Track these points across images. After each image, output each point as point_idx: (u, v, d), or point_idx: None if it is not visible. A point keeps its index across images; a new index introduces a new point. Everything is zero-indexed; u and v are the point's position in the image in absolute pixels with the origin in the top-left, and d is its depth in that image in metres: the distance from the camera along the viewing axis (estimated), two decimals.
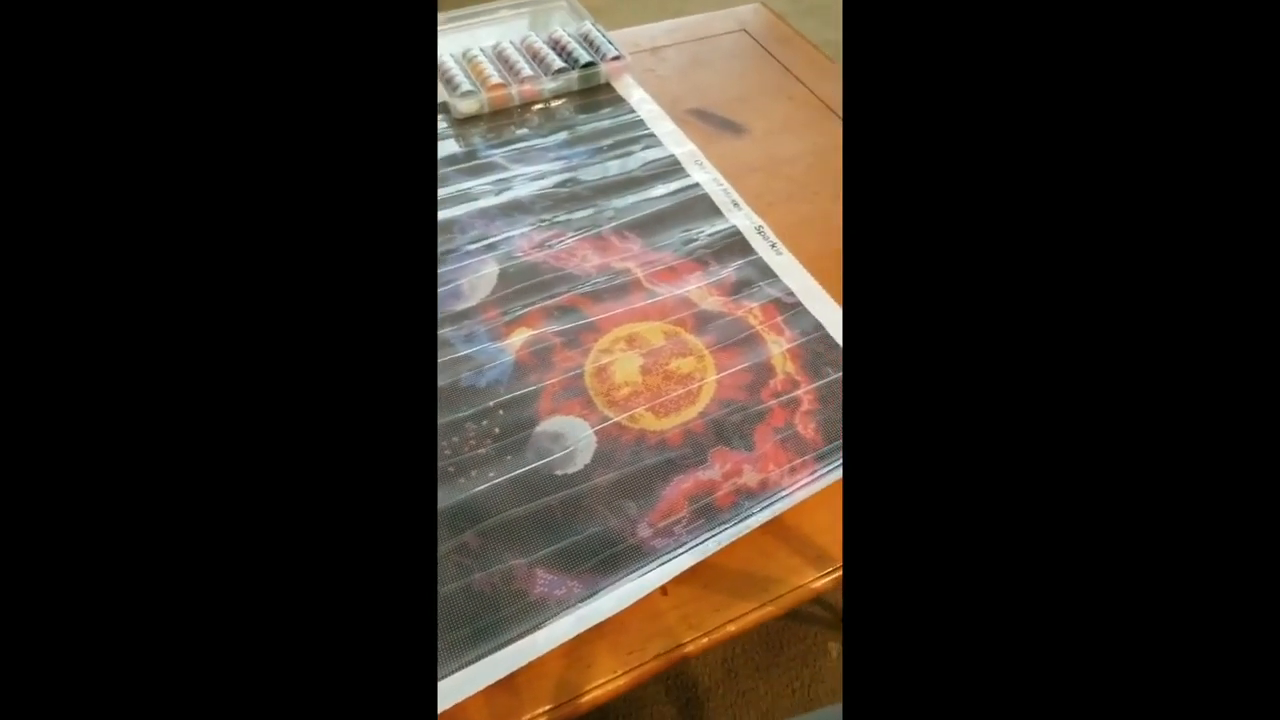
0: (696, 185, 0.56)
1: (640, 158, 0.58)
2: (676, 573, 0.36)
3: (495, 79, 0.61)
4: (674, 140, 0.60)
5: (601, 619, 0.35)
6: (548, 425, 0.42)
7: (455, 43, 0.66)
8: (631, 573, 0.36)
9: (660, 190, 0.56)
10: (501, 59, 0.64)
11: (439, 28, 0.68)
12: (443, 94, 0.61)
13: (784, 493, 0.40)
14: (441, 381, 0.44)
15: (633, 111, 0.62)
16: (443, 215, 0.53)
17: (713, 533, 0.38)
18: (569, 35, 0.66)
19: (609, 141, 0.60)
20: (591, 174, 0.57)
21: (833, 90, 0.66)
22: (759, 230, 0.53)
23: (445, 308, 0.47)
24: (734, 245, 0.52)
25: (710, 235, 0.53)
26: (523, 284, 0.49)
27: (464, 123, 0.61)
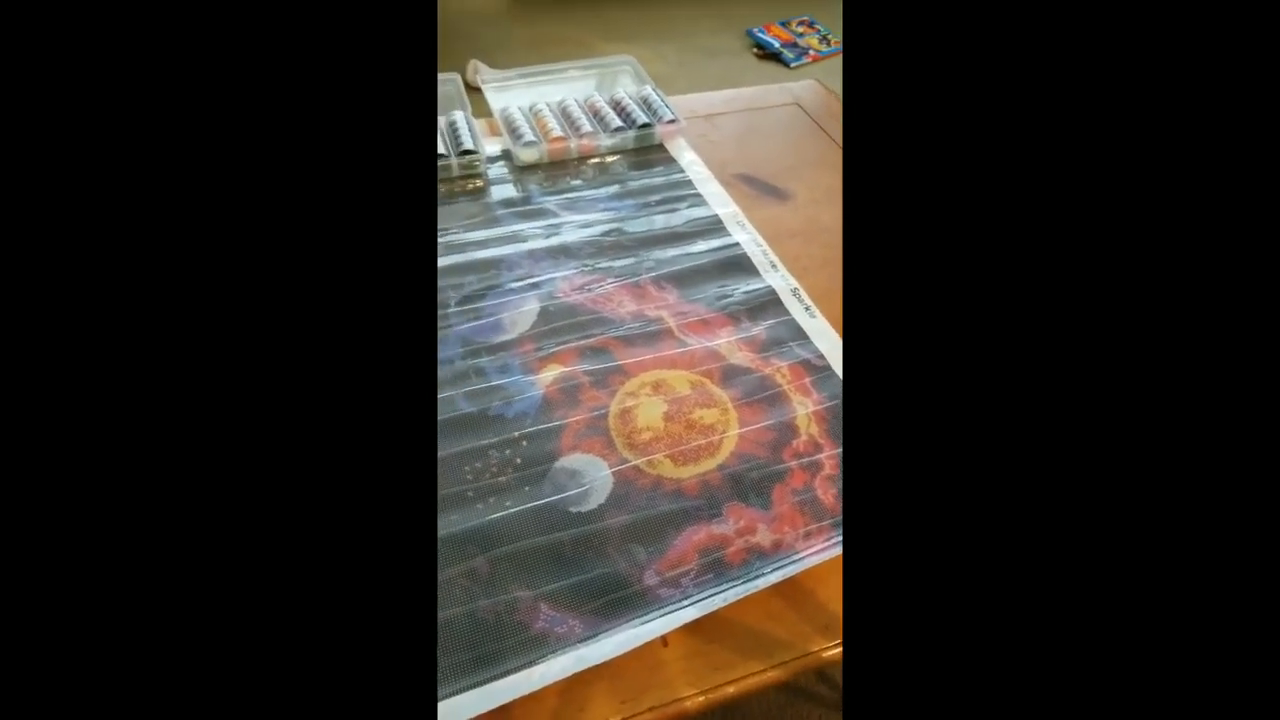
0: (736, 244, 0.58)
1: (685, 214, 0.61)
2: (680, 624, 0.36)
3: (557, 132, 0.65)
4: (719, 201, 0.62)
5: (600, 661, 0.34)
6: (567, 461, 0.43)
7: (524, 97, 0.71)
8: (634, 619, 0.36)
9: (701, 246, 0.58)
10: (564, 114, 0.68)
11: (512, 83, 0.73)
12: (506, 142, 0.65)
13: (797, 556, 0.39)
14: (471, 408, 0.45)
15: (682, 171, 0.65)
16: (493, 253, 0.56)
17: (720, 588, 0.38)
18: (630, 98, 0.70)
19: (657, 197, 0.62)
20: (637, 226, 0.59)
21: None
22: (794, 292, 0.54)
23: (485, 338, 0.49)
24: (768, 304, 0.53)
25: (745, 293, 0.54)
26: (560, 323, 0.51)
27: (524, 170, 0.64)
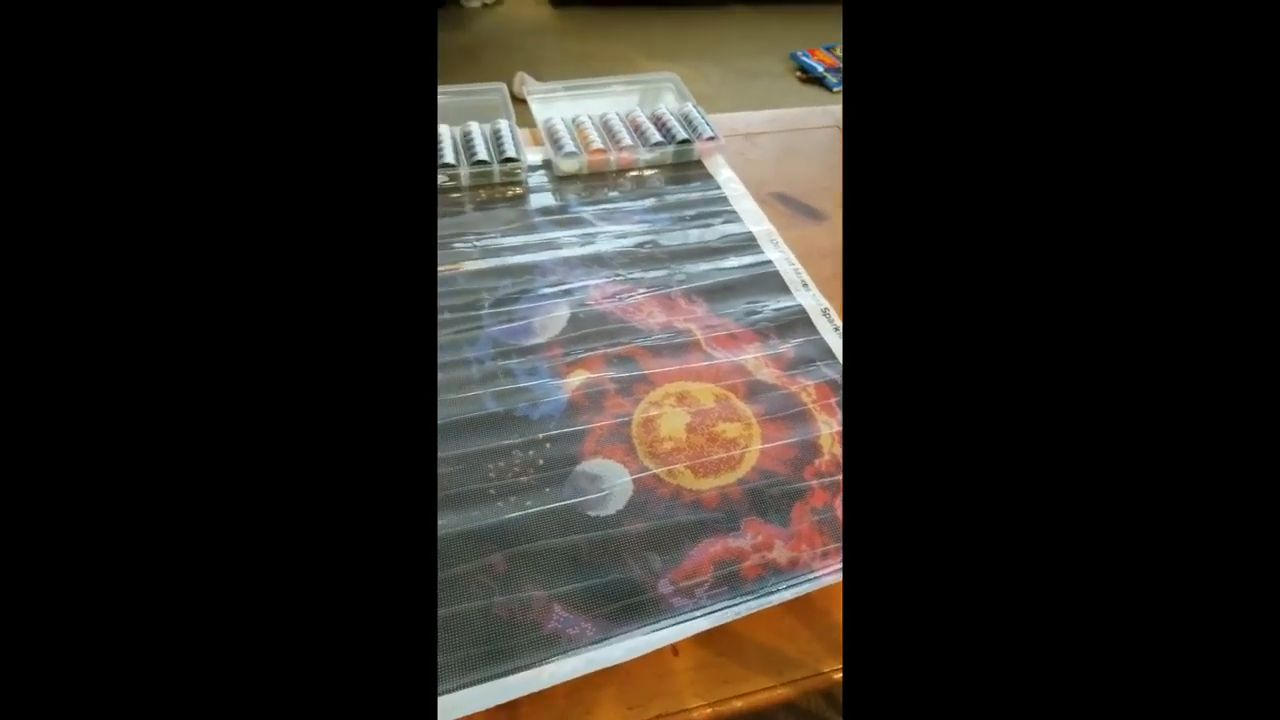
0: (769, 262, 0.58)
1: (719, 230, 0.61)
2: (691, 634, 0.36)
3: (597, 144, 0.66)
4: (753, 218, 0.63)
5: (609, 665, 0.35)
6: (588, 466, 0.43)
7: (567, 109, 0.72)
8: (646, 626, 0.36)
9: (733, 262, 0.58)
10: (606, 127, 0.69)
11: (556, 95, 0.75)
12: (548, 152, 0.66)
13: (813, 575, 0.39)
14: (498, 408, 0.46)
15: (719, 188, 0.66)
16: (528, 258, 0.57)
17: (734, 602, 0.37)
18: (671, 114, 0.71)
19: (692, 212, 0.63)
20: (671, 239, 0.60)
21: None
22: (825, 312, 0.54)
23: (516, 341, 0.50)
24: (797, 323, 0.53)
25: (775, 310, 0.54)
26: (589, 330, 0.51)
27: (563, 180, 0.66)
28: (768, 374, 0.50)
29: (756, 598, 0.38)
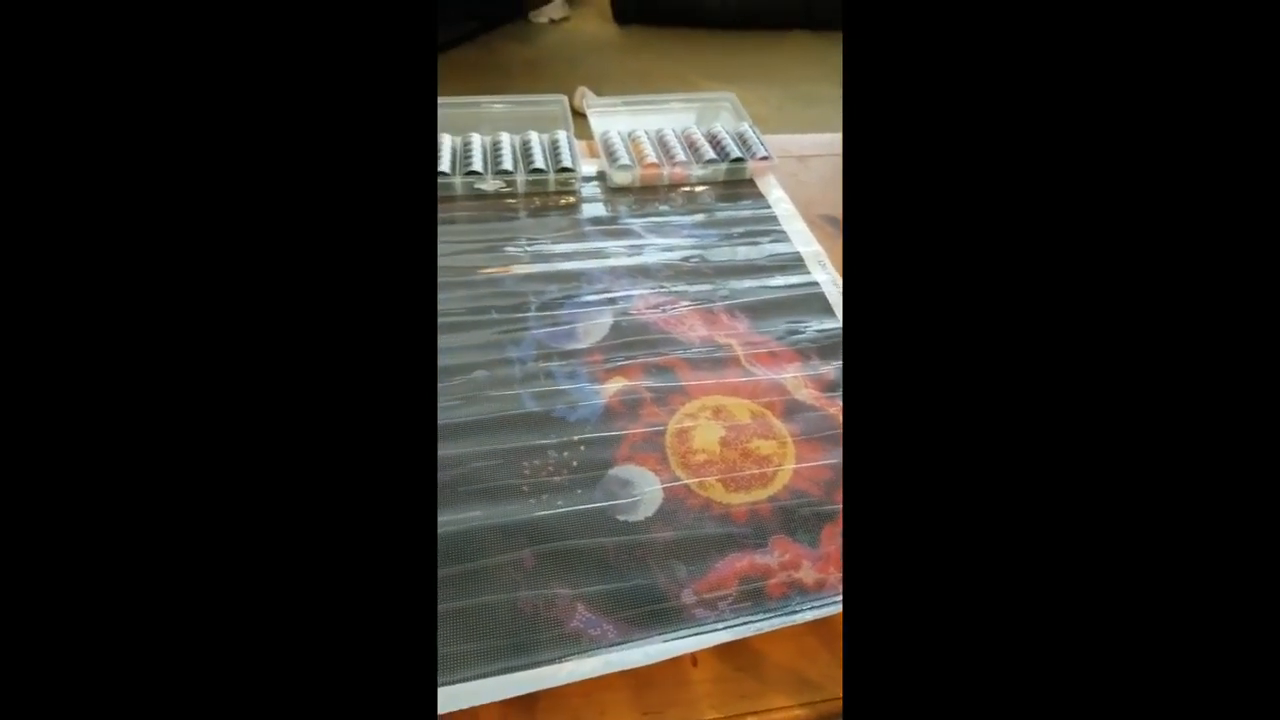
0: (815, 283, 0.58)
1: (766, 249, 0.62)
2: (711, 645, 0.36)
3: (651, 158, 0.68)
4: (802, 239, 0.63)
5: (626, 668, 0.35)
6: (620, 471, 0.44)
7: (625, 123, 0.74)
8: (667, 633, 0.36)
9: (779, 281, 0.58)
10: (661, 142, 0.71)
11: (615, 110, 0.77)
12: (603, 164, 0.68)
13: (838, 598, 0.38)
14: (536, 408, 0.47)
15: (769, 208, 0.66)
16: (576, 265, 0.58)
17: (756, 618, 0.37)
18: (726, 132, 0.72)
19: (741, 230, 0.63)
20: (718, 255, 0.60)
21: None
22: None
23: (559, 344, 0.52)
24: (840, 345, 0.53)
25: (818, 331, 0.54)
26: (631, 338, 0.52)
27: (615, 191, 0.67)
28: (806, 394, 0.49)
29: (780, 616, 0.37)
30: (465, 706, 0.33)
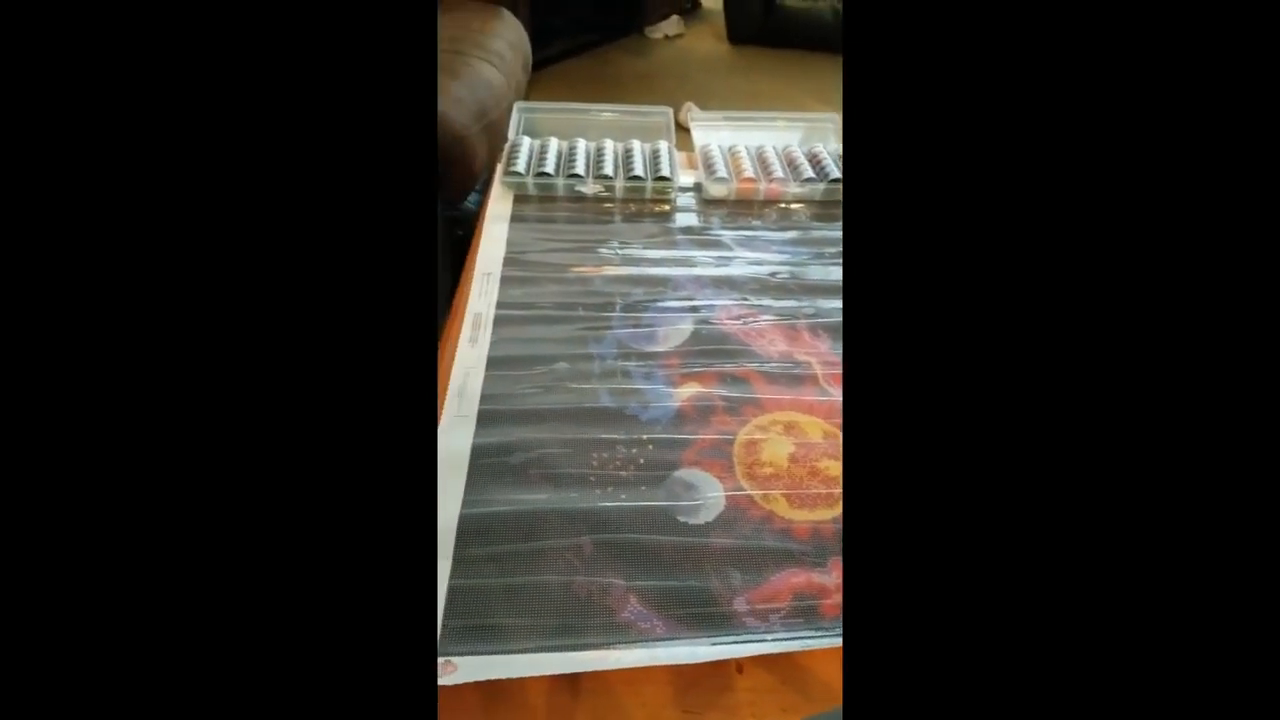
0: None
1: None
2: (757, 653, 0.36)
3: (748, 173, 0.68)
4: None
5: (672, 663, 0.35)
6: (685, 474, 0.44)
7: (726, 138, 0.75)
8: (715, 637, 0.37)
9: None
10: (760, 159, 0.71)
11: (718, 125, 0.78)
12: (701, 176, 0.69)
13: None
14: (611, 404, 0.49)
15: None
16: (664, 271, 0.60)
17: (806, 635, 0.37)
18: (828, 153, 0.71)
19: (834, 250, 0.63)
20: (809, 274, 0.60)
21: None
22: None
23: (639, 345, 0.53)
24: None
25: None
26: (709, 346, 0.53)
27: (710, 203, 0.68)
28: None
29: (830, 636, 0.37)
30: (514, 676, 0.35)
